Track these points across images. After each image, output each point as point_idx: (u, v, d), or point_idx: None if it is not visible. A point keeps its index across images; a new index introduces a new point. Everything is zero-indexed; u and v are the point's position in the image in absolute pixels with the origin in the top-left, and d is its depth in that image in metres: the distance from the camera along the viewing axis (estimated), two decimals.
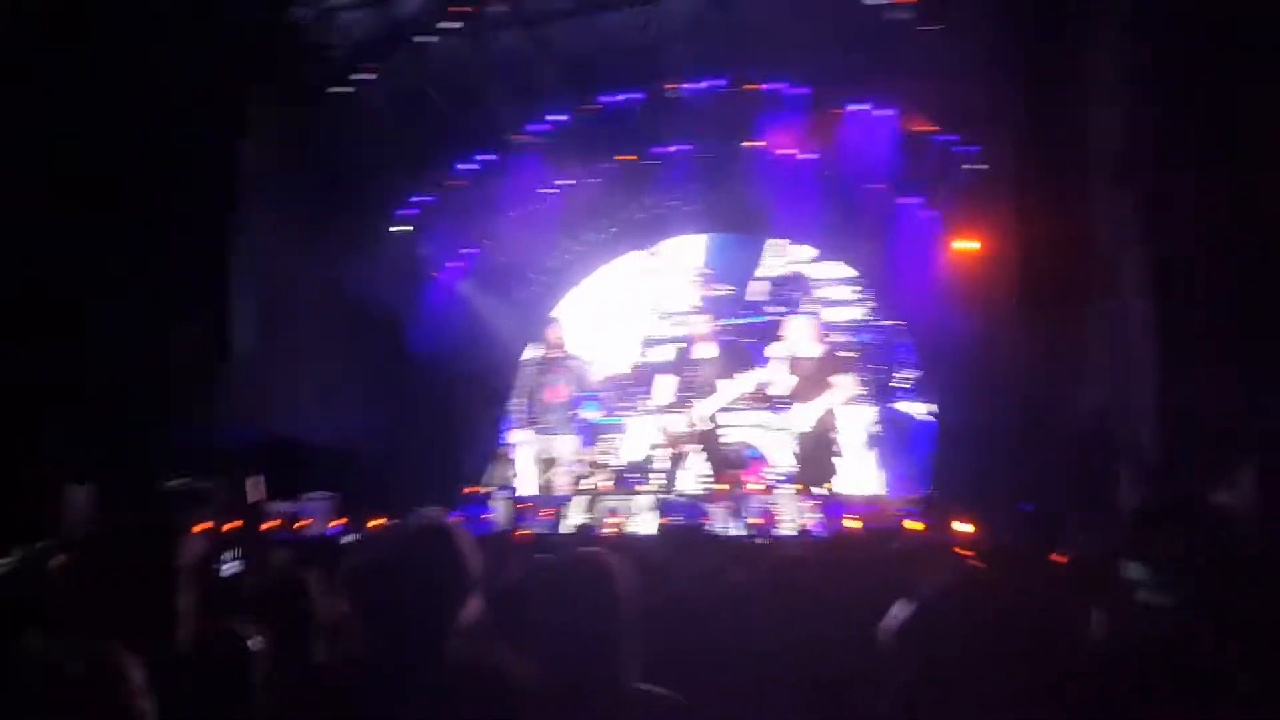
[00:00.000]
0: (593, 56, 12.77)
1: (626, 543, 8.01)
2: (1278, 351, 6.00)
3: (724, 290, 15.45)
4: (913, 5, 10.09)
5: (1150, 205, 6.85)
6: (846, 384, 11.29)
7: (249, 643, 2.32)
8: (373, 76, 11.91)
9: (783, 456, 12.94)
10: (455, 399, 14.65)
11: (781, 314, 14.47)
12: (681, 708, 2.28)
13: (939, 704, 1.25)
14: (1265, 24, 5.98)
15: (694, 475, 12.70)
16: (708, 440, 11.55)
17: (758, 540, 8.25)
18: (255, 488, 9.68)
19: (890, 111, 12.11)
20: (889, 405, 13.61)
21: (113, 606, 2.13)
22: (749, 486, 11.04)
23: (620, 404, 15.39)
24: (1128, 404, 7.82)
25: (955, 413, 12.49)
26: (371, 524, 9.96)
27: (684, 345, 12.74)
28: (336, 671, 2.59)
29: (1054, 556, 3.90)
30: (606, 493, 12.04)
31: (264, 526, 9.77)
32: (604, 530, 10.95)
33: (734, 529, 10.60)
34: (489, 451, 14.39)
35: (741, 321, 15.05)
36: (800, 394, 11.10)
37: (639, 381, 15.34)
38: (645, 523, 11.34)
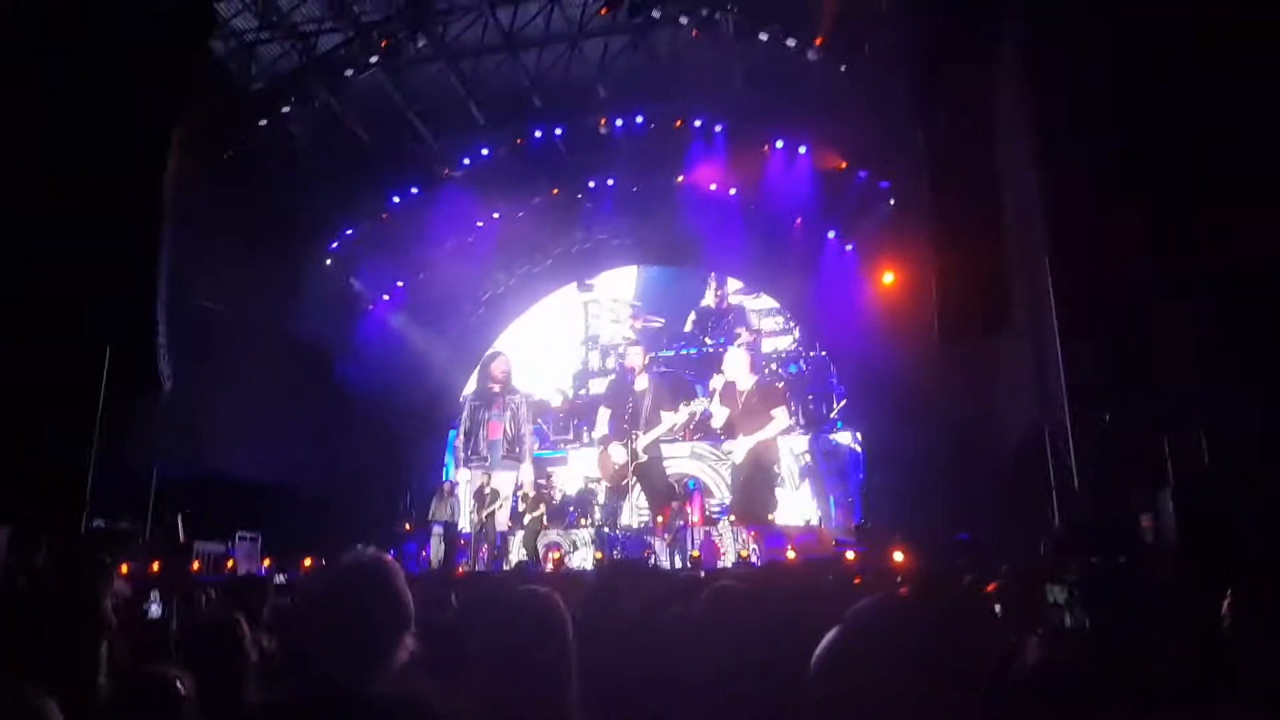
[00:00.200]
0: (518, 91, 12.96)
1: (567, 577, 7.97)
2: (1187, 377, 6.26)
3: (656, 322, 15.60)
4: (824, 47, 10.47)
5: (1058, 237, 7.12)
6: (782, 415, 11.43)
7: (177, 685, 2.27)
8: (289, 110, 11.90)
9: (722, 488, 13.02)
10: (391, 433, 14.46)
11: (719, 345, 14.66)
12: None
13: None
14: (1169, 58, 6.30)
15: (633, 508, 12.70)
16: (647, 472, 11.55)
17: (699, 573, 8.27)
18: (182, 527, 9.41)
19: (807, 149, 12.55)
20: (822, 435, 13.82)
21: (33, 649, 2.07)
22: (689, 519, 11.05)
23: (560, 437, 15.36)
24: (1047, 429, 8.06)
25: (881, 441, 12.78)
26: (304, 563, 9.77)
27: (620, 378, 12.78)
28: (267, 712, 2.54)
29: (980, 581, 4.00)
30: (547, 528, 11.95)
31: (191, 567, 9.49)
32: (545, 566, 10.87)
33: (675, 561, 10.61)
34: (427, 487, 14.21)
35: (674, 354, 15.20)
36: (739, 425, 11.20)
37: (579, 414, 15.34)
38: (586, 557, 11.28)
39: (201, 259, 9.84)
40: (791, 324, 14.87)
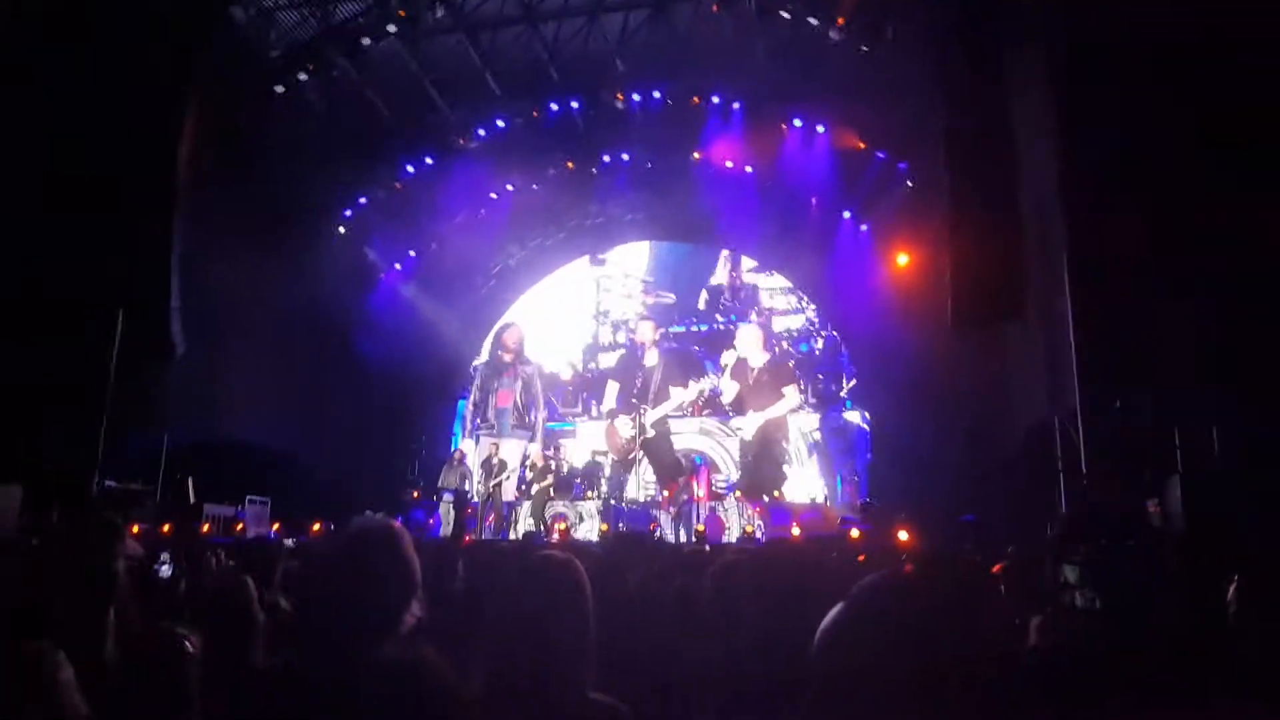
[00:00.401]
0: (536, 64, 12.87)
1: (573, 548, 8.00)
2: (1197, 370, 6.23)
3: (667, 298, 15.58)
4: (845, 28, 10.35)
5: (1076, 228, 7.07)
6: (793, 392, 11.43)
7: (186, 645, 2.29)
8: (306, 78, 11.84)
9: (729, 464, 13.05)
10: (402, 402, 14.52)
11: (730, 322, 14.64)
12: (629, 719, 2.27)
13: (861, 703, 1.29)
14: (1187, 58, 6.22)
15: (640, 481, 12.74)
16: (654, 447, 11.58)
17: (704, 548, 8.30)
18: (191, 489, 9.49)
19: (825, 128, 12.44)
20: (832, 413, 13.82)
21: (45, 607, 2.10)
22: (696, 493, 11.09)
23: (569, 409, 15.40)
24: (1057, 417, 8.04)
25: (889, 421, 12.77)
26: (313, 528, 9.86)
27: (630, 352, 12.79)
28: (275, 674, 2.57)
29: (987, 561, 4.00)
30: (554, 499, 12.02)
31: (201, 529, 9.59)
32: (551, 536, 10.93)
33: (680, 535, 10.66)
34: (436, 456, 14.28)
35: (685, 330, 15.19)
36: (749, 402, 11.20)
37: (588, 387, 15.37)
38: (591, 529, 11.34)
39: (215, 227, 9.86)
40: (803, 303, 14.82)
